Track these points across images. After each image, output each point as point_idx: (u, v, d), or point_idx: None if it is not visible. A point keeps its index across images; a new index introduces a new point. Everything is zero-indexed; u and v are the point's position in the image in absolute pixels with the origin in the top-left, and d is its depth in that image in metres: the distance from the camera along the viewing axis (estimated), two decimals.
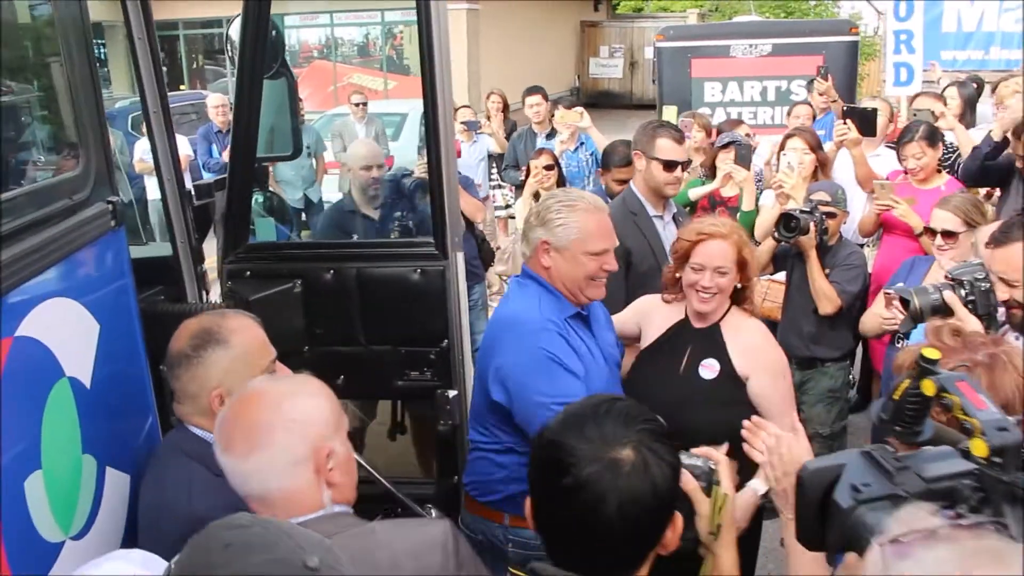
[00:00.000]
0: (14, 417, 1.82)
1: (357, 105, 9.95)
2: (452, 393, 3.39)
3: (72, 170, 2.24)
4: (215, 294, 3.61)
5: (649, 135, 4.15)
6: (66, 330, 2.07)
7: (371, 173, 4.96)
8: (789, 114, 7.27)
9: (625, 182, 4.66)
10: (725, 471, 2.02)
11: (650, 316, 3.27)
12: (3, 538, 1.76)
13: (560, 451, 1.56)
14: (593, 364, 2.85)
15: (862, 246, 5.20)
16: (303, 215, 8.94)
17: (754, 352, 3.03)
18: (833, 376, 4.43)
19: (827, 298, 4.23)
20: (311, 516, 1.71)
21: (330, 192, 9.90)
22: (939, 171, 4.93)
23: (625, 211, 4.06)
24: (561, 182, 6.14)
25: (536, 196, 5.78)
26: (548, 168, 6.04)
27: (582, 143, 7.08)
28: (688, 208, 5.03)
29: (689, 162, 4.28)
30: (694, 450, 2.06)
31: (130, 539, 2.23)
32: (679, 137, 4.16)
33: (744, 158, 5.10)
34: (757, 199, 5.18)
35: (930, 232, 3.95)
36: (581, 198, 2.88)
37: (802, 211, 4.20)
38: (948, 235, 3.85)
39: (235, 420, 1.75)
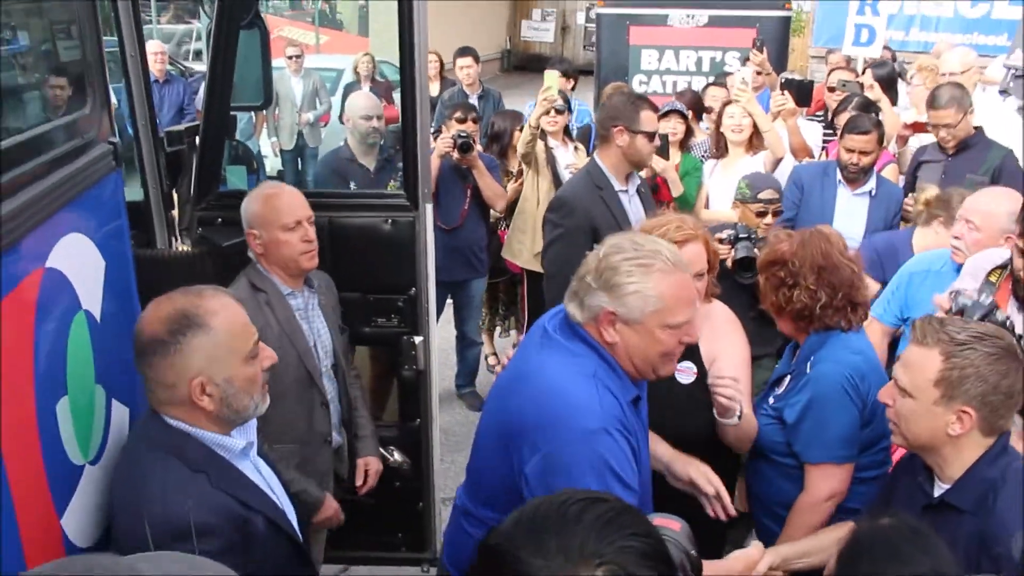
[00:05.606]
0: (48, 343, 1.90)
1: (291, 58, 9.74)
2: (418, 339, 3.49)
3: (82, 110, 2.27)
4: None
5: (632, 109, 3.96)
6: (82, 265, 2.12)
7: (370, 123, 5.17)
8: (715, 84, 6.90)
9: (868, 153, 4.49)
10: None
11: None
12: (43, 458, 1.84)
13: (506, 565, 1.17)
14: (642, 456, 2.30)
15: None
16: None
17: (716, 337, 2.89)
18: (768, 369, 4.50)
19: None
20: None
21: (266, 147, 9.83)
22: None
23: (591, 185, 3.94)
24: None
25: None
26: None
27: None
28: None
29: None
30: None
31: None
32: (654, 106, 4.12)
33: (662, 148, 4.94)
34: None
35: None
36: (657, 252, 2.17)
37: (740, 237, 3.91)
38: None
39: None
